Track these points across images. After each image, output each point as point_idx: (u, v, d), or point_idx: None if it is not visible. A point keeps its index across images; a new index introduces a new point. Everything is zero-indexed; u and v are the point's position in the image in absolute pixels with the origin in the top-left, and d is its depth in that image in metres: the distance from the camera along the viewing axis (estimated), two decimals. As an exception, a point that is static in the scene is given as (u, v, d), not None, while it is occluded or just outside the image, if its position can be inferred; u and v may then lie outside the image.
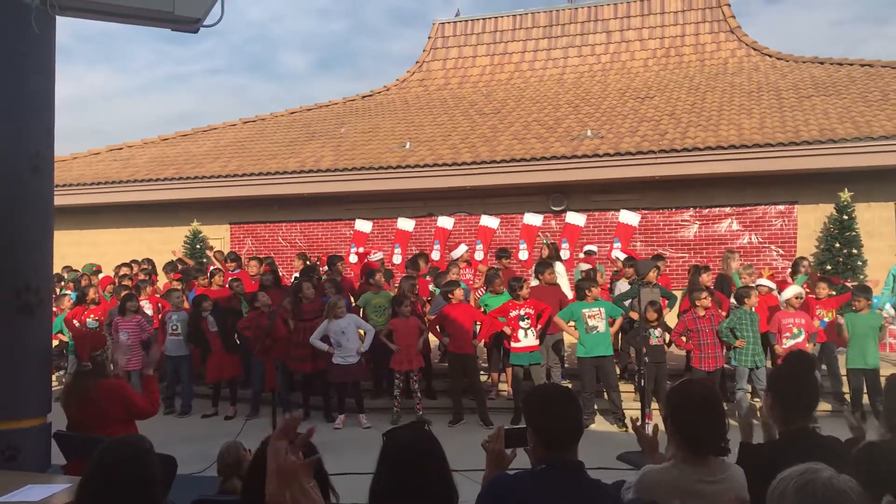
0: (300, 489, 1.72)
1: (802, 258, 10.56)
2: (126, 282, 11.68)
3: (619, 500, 2.55)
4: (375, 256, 11.89)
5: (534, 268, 9.91)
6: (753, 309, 8.63)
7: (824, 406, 8.84)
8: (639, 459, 6.41)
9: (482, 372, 9.87)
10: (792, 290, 8.88)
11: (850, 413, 7.92)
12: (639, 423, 2.96)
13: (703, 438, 2.62)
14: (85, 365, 4.65)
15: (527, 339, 8.69)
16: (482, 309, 9.48)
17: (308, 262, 11.72)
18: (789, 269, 10.58)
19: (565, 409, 2.63)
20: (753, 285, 9.15)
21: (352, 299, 10.23)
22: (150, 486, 2.38)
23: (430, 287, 10.58)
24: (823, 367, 9.05)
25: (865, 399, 8.40)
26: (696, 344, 8.49)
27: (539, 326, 8.85)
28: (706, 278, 9.54)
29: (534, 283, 9.67)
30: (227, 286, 10.79)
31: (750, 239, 12.66)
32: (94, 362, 4.74)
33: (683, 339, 8.67)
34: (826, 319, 8.97)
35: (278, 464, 1.75)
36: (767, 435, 3.25)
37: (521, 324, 8.67)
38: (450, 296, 9.10)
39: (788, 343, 8.39)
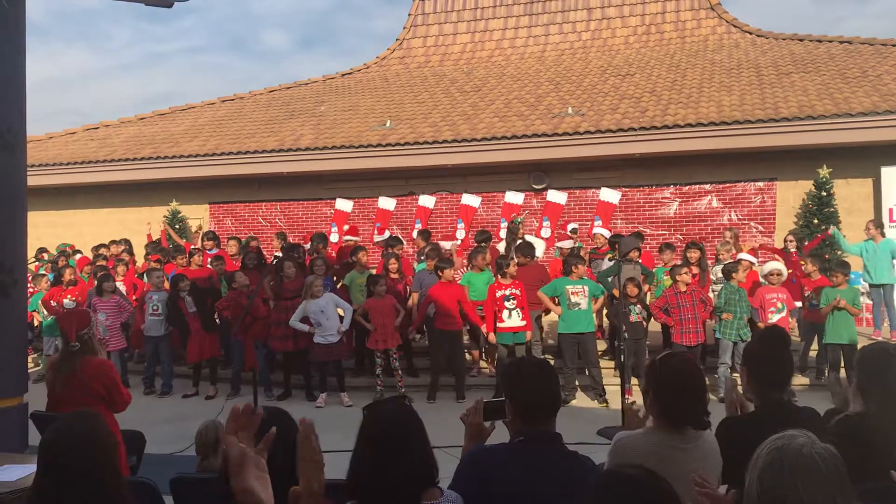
0: (253, 476, 1.66)
1: (789, 234, 10.71)
2: (101, 262, 11.55)
3: (594, 470, 2.57)
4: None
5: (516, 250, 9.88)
6: (739, 284, 8.70)
7: (802, 380, 8.95)
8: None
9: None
10: (769, 266, 8.94)
11: (837, 381, 8.02)
12: (634, 406, 2.96)
13: (682, 411, 2.63)
14: (74, 345, 4.60)
15: (510, 319, 8.68)
16: (465, 289, 9.47)
17: (284, 243, 11.65)
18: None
19: (542, 380, 2.63)
20: (735, 261, 9.22)
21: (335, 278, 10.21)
22: (100, 471, 2.33)
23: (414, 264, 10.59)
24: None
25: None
26: (677, 319, 8.53)
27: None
28: (693, 255, 9.57)
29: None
30: (206, 266, 10.71)
31: (730, 216, 12.72)
32: (81, 340, 4.70)
33: (664, 313, 8.72)
34: (815, 302, 9.00)
35: (232, 455, 1.68)
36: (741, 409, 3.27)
37: (507, 304, 8.65)
38: (439, 273, 9.07)
39: (774, 318, 8.43)
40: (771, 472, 1.68)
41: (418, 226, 13.22)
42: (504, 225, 12.96)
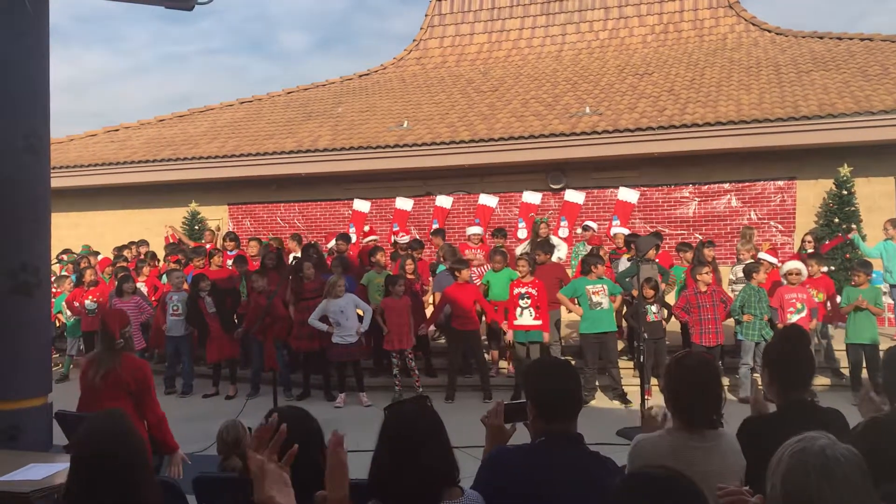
0: (274, 487, 1.83)
1: (807, 234, 10.65)
2: (122, 263, 11.65)
3: (616, 470, 2.57)
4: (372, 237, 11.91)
5: (533, 247, 9.90)
6: (760, 284, 8.64)
7: (822, 381, 8.88)
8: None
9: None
10: (788, 265, 8.88)
11: (872, 389, 7.92)
12: (650, 409, 2.97)
13: (697, 411, 2.63)
14: (119, 342, 4.70)
15: (522, 317, 8.67)
16: (484, 287, 9.47)
17: (300, 244, 11.72)
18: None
19: (563, 380, 2.64)
20: (756, 260, 9.17)
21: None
22: (133, 469, 2.36)
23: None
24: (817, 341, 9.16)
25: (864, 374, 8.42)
26: (697, 319, 8.48)
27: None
28: (709, 253, 9.52)
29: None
30: (225, 266, 10.78)
31: (749, 215, 12.63)
32: (124, 338, 4.79)
33: (685, 312, 8.67)
34: (816, 300, 8.96)
35: (253, 469, 1.86)
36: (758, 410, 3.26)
37: (521, 302, 8.65)
38: (456, 274, 9.09)
39: (794, 318, 8.36)
40: (795, 476, 1.67)
41: (435, 226, 13.24)
42: (522, 225, 12.97)
